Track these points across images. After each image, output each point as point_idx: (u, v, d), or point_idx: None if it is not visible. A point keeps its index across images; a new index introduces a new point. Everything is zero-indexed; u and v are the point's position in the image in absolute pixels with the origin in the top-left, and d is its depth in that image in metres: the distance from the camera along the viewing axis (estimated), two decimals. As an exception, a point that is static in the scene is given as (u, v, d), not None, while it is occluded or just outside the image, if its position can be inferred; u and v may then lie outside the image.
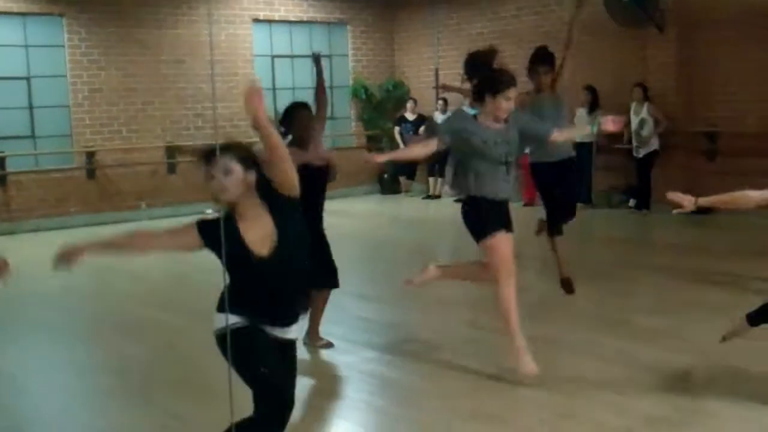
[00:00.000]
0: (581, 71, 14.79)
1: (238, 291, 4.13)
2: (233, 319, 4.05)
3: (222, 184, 4.00)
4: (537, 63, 8.65)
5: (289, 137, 6.89)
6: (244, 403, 5.46)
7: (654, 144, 13.72)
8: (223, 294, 4.19)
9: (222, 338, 4.10)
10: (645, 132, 13.63)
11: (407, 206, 16.41)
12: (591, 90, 14.31)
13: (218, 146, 3.97)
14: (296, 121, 7.08)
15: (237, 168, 4.00)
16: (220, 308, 4.17)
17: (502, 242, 6.08)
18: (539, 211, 9.29)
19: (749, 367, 6.13)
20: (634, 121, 13.73)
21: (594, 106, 14.32)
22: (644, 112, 13.63)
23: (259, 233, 4.03)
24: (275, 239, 4.03)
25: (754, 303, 7.77)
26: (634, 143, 13.82)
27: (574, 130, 6.75)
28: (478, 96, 6.27)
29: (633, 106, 13.76)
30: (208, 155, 4.02)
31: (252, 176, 4.03)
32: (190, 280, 9.84)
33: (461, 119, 6.35)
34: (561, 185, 8.47)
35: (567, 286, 8.54)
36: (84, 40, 14.81)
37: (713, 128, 13.50)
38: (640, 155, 13.82)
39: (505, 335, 6.22)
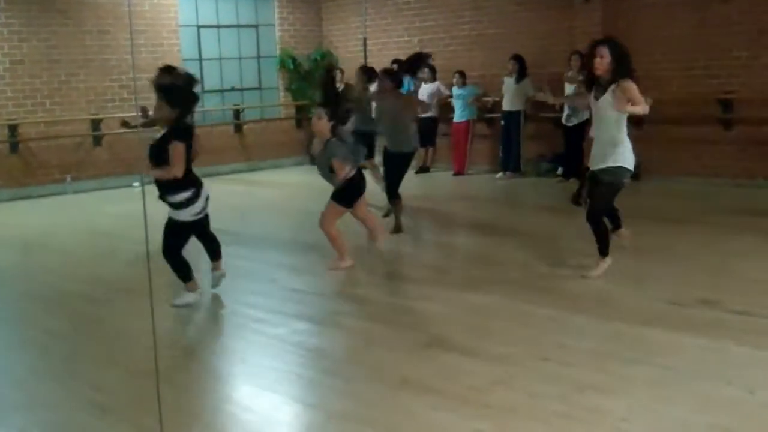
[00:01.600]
0: (508, 40, 14.92)
1: None
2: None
3: None
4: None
5: None
6: (172, 371, 5.44)
7: (586, 113, 13.75)
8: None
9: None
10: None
11: (337, 177, 16.34)
12: (518, 59, 14.37)
13: None
14: None
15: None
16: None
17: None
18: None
19: (679, 334, 6.25)
20: (569, 90, 13.76)
21: (522, 75, 14.39)
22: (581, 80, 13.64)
23: None
24: None
25: (680, 270, 7.99)
26: (566, 111, 13.83)
27: None
28: None
29: (569, 74, 13.80)
30: None
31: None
32: (117, 253, 9.73)
33: None
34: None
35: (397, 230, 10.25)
36: (4, 11, 14.40)
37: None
38: (572, 124, 13.81)
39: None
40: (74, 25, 15.13)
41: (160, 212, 7.01)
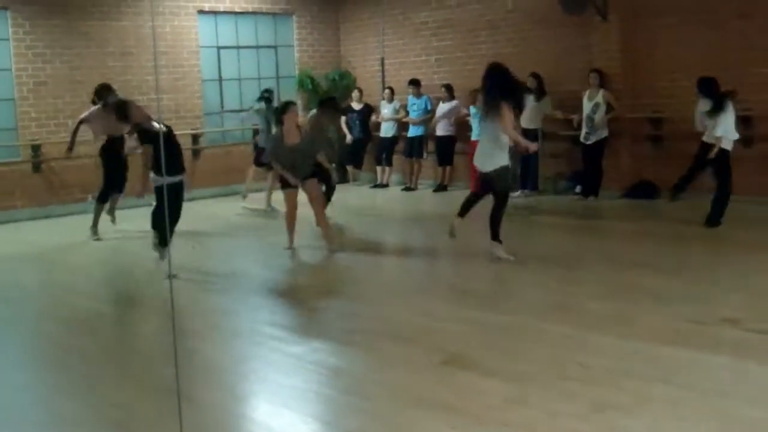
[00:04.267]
0: (525, 59, 14.93)
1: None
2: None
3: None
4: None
5: None
6: (192, 389, 5.47)
7: (605, 131, 13.76)
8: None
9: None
10: (597, 118, 13.64)
11: (355, 195, 16.38)
12: (536, 77, 14.37)
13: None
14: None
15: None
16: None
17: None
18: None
19: (700, 353, 6.22)
20: (587, 107, 13.75)
21: (541, 93, 14.39)
22: (599, 98, 13.63)
23: None
24: None
25: (701, 289, 7.95)
26: (585, 129, 13.81)
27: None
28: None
29: (587, 92, 13.80)
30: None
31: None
32: (138, 272, 9.78)
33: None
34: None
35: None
36: (29, 33, 14.60)
37: (658, 114, 13.64)
38: (590, 141, 13.79)
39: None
40: (97, 46, 15.30)
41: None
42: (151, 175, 9.60)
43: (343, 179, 17.83)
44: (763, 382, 5.64)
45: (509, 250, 9.50)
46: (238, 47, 17.37)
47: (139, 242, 11.50)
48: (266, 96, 14.55)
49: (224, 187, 15.51)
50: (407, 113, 16.64)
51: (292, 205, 10.72)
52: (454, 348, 6.55)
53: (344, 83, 18.30)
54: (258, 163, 14.00)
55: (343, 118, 17.40)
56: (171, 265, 8.63)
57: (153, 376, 6.19)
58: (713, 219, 11.07)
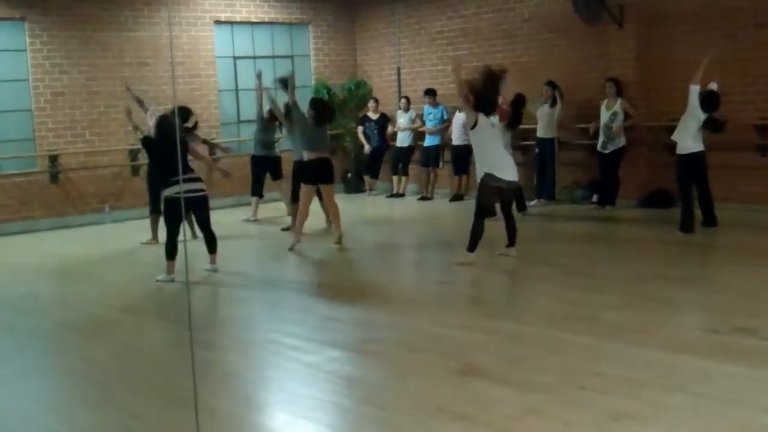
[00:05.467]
0: (542, 67, 14.93)
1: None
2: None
3: None
4: None
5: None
6: (209, 399, 5.49)
7: (622, 140, 13.72)
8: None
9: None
10: (615, 127, 13.60)
11: (371, 205, 16.42)
12: (552, 85, 14.36)
13: None
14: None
15: None
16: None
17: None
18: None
19: (716, 362, 6.20)
20: (605, 116, 13.72)
21: (555, 101, 14.36)
22: (617, 107, 13.60)
23: None
24: None
25: (716, 298, 7.93)
26: (602, 138, 13.77)
27: None
28: None
29: (605, 101, 13.77)
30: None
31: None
32: (155, 283, 9.80)
33: None
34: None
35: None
36: (46, 44, 14.70)
37: (673, 122, 13.58)
38: (607, 151, 13.75)
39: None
40: (114, 57, 15.39)
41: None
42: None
43: (360, 189, 17.87)
44: (779, 391, 5.62)
45: (527, 257, 9.51)
46: (254, 57, 17.42)
47: (157, 253, 11.55)
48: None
49: (240, 197, 15.53)
50: (423, 123, 16.65)
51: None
52: (470, 357, 6.55)
53: (360, 93, 18.34)
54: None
55: (360, 128, 17.47)
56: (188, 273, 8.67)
57: (170, 386, 6.21)
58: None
